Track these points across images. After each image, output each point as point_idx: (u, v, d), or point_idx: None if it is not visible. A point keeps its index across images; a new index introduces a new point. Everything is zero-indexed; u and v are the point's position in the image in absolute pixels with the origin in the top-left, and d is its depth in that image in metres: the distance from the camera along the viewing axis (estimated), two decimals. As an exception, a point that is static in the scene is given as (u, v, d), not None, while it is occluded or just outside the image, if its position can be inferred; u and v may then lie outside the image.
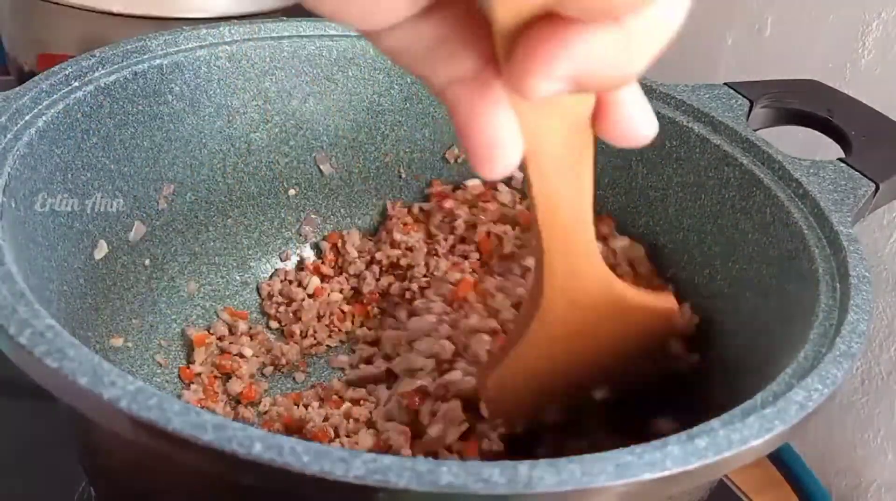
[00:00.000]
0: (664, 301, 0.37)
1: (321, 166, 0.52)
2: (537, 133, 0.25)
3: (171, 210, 0.46)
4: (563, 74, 0.20)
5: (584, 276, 0.32)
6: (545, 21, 0.19)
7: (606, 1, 0.19)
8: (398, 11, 0.21)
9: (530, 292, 0.33)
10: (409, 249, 0.50)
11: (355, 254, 0.52)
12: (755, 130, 0.46)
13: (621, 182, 0.49)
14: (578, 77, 0.20)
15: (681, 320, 0.39)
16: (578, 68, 0.20)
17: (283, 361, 0.48)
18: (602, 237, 0.47)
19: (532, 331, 0.33)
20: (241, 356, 0.47)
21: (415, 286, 0.49)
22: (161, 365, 0.46)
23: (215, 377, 0.46)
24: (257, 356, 0.47)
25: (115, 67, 0.42)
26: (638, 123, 0.25)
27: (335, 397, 0.44)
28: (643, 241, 0.48)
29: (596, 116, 0.25)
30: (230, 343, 0.47)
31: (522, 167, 0.26)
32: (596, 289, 0.32)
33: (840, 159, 0.43)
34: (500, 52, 0.21)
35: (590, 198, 0.29)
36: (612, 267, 0.37)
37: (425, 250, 0.50)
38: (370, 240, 0.53)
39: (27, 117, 0.37)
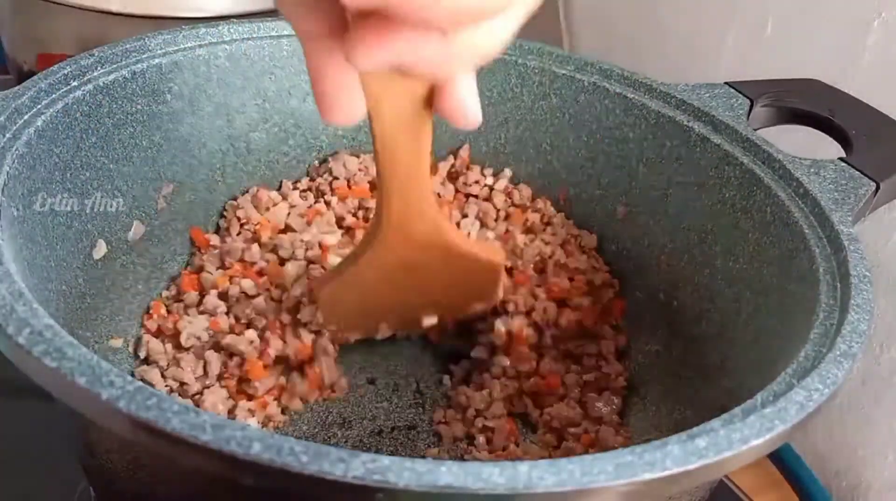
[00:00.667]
0: (491, 254, 0.43)
1: (321, 166, 0.52)
2: (380, 95, 0.30)
3: (171, 210, 0.46)
4: (383, 60, 0.24)
5: (418, 218, 0.38)
6: (380, 14, 0.23)
7: (427, 18, 0.22)
8: None
9: (371, 223, 0.39)
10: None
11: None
12: (756, 130, 0.45)
13: (621, 182, 0.49)
14: (398, 65, 0.24)
15: (502, 272, 0.45)
16: (397, 59, 0.24)
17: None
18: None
19: (368, 255, 0.39)
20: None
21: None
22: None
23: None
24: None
25: (114, 66, 0.41)
26: (465, 109, 0.30)
27: None
28: (643, 242, 0.48)
29: (434, 93, 0.30)
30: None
31: (369, 123, 0.32)
32: (427, 231, 0.38)
33: (840, 159, 0.43)
34: (349, 22, 0.25)
35: (427, 156, 0.35)
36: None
37: None
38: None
39: (26, 117, 0.37)
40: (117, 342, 0.43)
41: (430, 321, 0.44)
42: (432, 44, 0.24)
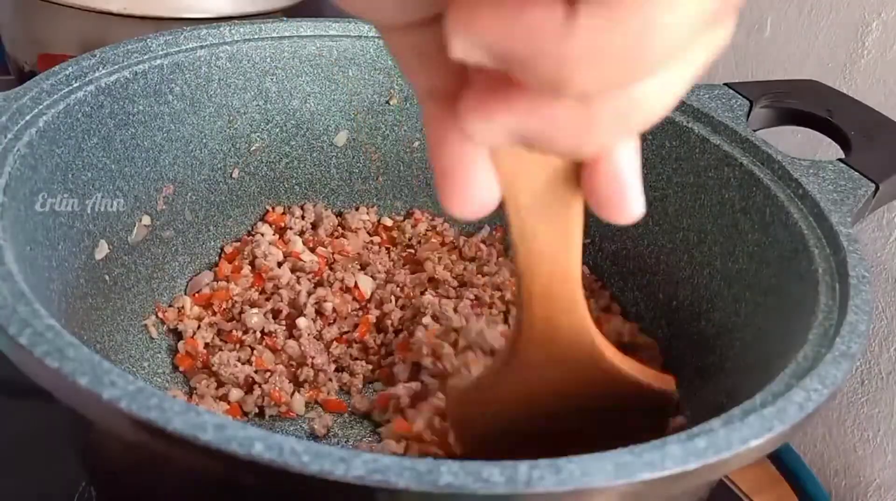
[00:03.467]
0: (661, 382, 0.34)
1: (322, 167, 0.52)
2: (516, 174, 0.24)
3: (172, 210, 0.46)
4: (503, 130, 0.18)
5: (566, 332, 0.30)
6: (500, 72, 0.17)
7: (560, 81, 0.16)
8: (406, 11, 0.19)
9: (509, 336, 0.32)
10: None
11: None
12: (755, 131, 0.46)
13: (621, 182, 0.49)
14: (522, 137, 0.19)
15: (672, 403, 0.36)
16: (521, 129, 0.18)
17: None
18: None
19: (504, 373, 0.33)
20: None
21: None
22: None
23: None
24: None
25: (116, 66, 0.42)
26: (621, 194, 0.22)
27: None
28: (643, 242, 0.48)
29: (582, 172, 0.23)
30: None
31: (505, 211, 0.25)
32: (577, 349, 0.31)
33: (840, 159, 0.43)
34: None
35: (577, 252, 0.28)
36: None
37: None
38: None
39: (28, 117, 0.37)
40: (118, 342, 0.43)
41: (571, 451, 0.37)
42: (565, 111, 0.18)
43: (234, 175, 0.49)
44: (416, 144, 0.53)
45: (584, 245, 0.51)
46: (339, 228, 0.53)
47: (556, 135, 0.18)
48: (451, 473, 0.23)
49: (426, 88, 0.21)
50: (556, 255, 0.27)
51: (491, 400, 0.34)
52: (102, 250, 0.41)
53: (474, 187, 0.21)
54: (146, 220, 0.45)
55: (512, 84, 0.17)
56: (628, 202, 0.22)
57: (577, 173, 0.24)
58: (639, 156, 0.22)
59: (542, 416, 0.34)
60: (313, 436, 0.43)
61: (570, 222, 0.26)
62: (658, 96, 0.18)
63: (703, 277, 0.44)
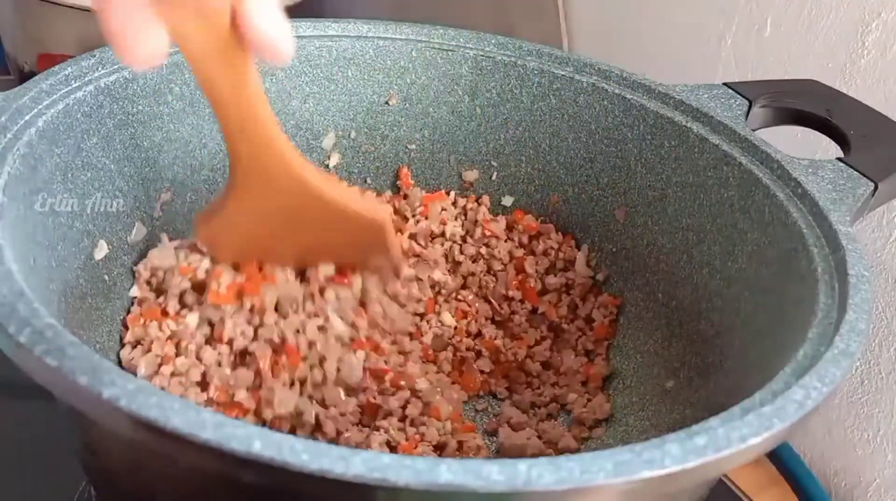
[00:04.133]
0: (374, 210, 0.40)
1: (320, 166, 0.52)
2: (182, 32, 0.29)
3: (172, 211, 0.46)
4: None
5: (271, 164, 0.36)
6: None
7: None
8: None
9: (230, 168, 0.37)
10: None
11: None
12: (754, 130, 0.46)
13: (620, 182, 0.49)
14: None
15: (392, 240, 0.41)
16: None
17: None
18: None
19: (233, 199, 0.38)
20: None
21: None
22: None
23: None
24: None
25: (116, 66, 0.42)
26: (266, 38, 0.29)
27: None
28: (640, 241, 0.48)
29: (239, 29, 0.29)
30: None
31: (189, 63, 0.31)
32: (290, 178, 0.36)
33: (839, 159, 0.43)
34: None
35: (260, 99, 0.33)
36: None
37: None
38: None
39: (27, 117, 0.37)
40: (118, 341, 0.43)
41: (327, 269, 0.42)
42: None
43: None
44: (415, 146, 0.53)
45: (584, 245, 0.52)
46: None
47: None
48: (450, 471, 0.23)
49: None
50: (238, 100, 0.33)
51: (232, 220, 0.39)
52: (102, 250, 0.41)
53: (144, 40, 0.27)
54: (146, 220, 0.45)
55: None
56: (274, 45, 0.29)
57: (231, 30, 0.29)
58: (277, 11, 0.28)
59: (278, 234, 0.39)
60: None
61: (241, 72, 0.32)
62: None
63: (702, 276, 0.44)
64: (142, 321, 0.42)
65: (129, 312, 0.43)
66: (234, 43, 0.30)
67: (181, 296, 0.42)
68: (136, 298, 0.44)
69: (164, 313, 0.42)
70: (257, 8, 0.28)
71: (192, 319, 0.41)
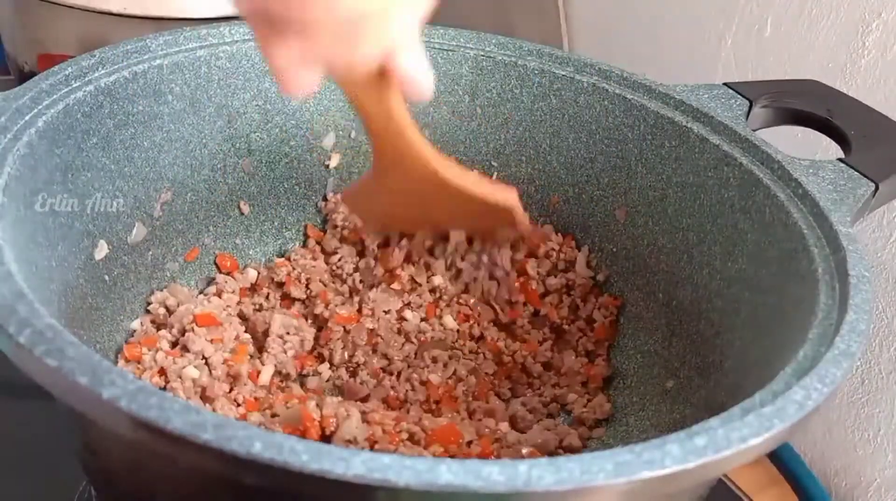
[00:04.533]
0: (501, 195, 0.46)
1: (321, 167, 0.52)
2: (337, 70, 0.33)
3: (172, 210, 0.46)
4: (301, 62, 0.30)
5: (410, 160, 0.42)
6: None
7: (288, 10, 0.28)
8: None
9: (373, 154, 0.43)
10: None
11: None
12: (754, 130, 0.46)
13: (621, 182, 0.49)
14: (319, 61, 0.30)
15: (521, 218, 0.47)
16: (311, 57, 0.30)
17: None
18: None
19: (375, 178, 0.44)
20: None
21: None
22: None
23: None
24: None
25: (116, 67, 0.42)
26: (411, 82, 0.34)
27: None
28: (640, 241, 0.48)
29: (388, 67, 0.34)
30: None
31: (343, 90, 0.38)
32: (424, 171, 0.42)
33: (839, 159, 0.43)
34: None
35: (401, 114, 0.39)
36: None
37: None
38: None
39: (27, 117, 0.37)
40: (118, 341, 0.43)
41: (458, 236, 0.48)
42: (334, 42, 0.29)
43: (233, 175, 0.49)
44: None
45: (583, 246, 0.52)
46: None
47: (324, 53, 0.30)
48: (450, 471, 0.23)
49: (250, 10, 0.30)
50: (381, 115, 0.39)
51: (375, 197, 0.46)
52: (102, 250, 0.41)
53: (302, 81, 0.31)
54: (146, 220, 0.45)
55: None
56: (416, 87, 0.34)
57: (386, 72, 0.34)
58: (421, 57, 0.33)
59: (414, 208, 0.46)
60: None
61: (386, 96, 0.37)
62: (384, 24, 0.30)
63: (702, 276, 0.44)
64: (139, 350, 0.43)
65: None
66: (382, 78, 0.35)
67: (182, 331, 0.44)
68: (134, 330, 0.45)
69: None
70: (406, 57, 0.33)
71: (191, 371, 0.42)
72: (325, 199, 0.53)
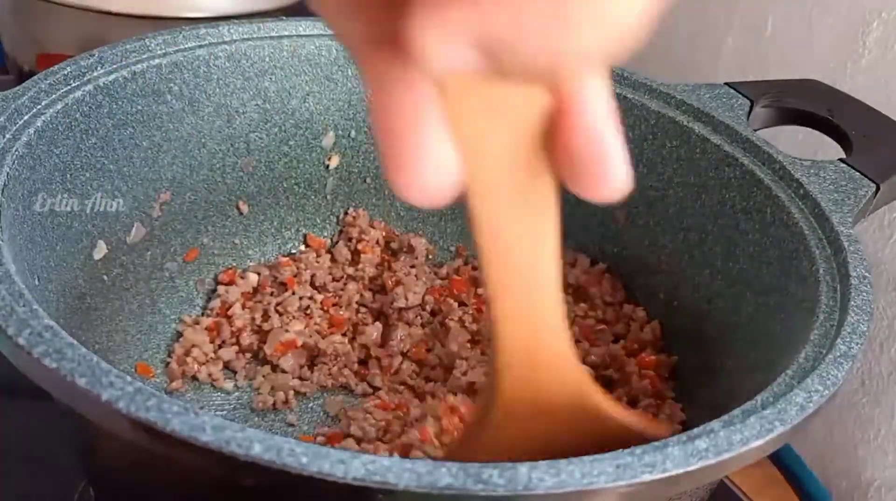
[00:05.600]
0: (655, 428, 0.29)
1: (321, 167, 0.52)
2: (476, 138, 0.19)
3: (171, 210, 0.46)
4: (462, 39, 0.15)
5: (549, 368, 0.25)
6: None
7: None
8: None
9: (486, 385, 0.27)
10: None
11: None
12: (756, 130, 0.45)
13: (621, 182, 0.49)
14: (486, 48, 0.15)
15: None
16: (484, 32, 0.15)
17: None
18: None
19: (486, 428, 0.27)
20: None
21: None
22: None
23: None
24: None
25: (114, 66, 0.41)
26: (602, 150, 0.18)
27: None
28: (641, 241, 0.48)
29: (550, 134, 0.19)
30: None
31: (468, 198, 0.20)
32: (564, 389, 0.26)
33: (841, 160, 0.43)
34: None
35: (554, 250, 0.22)
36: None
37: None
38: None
39: (26, 117, 0.36)
40: (117, 342, 0.43)
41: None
42: (538, 5, 0.14)
43: (232, 175, 0.49)
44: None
45: (584, 248, 0.52)
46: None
47: (526, 34, 0.15)
48: (451, 474, 0.23)
49: (364, 34, 0.17)
50: (531, 257, 0.22)
51: (491, 441, 0.28)
52: (101, 250, 0.41)
53: (432, 152, 0.17)
54: (145, 220, 0.45)
55: None
56: (608, 162, 0.18)
57: (541, 147, 0.20)
58: (613, 111, 0.19)
59: (541, 440, 0.28)
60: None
61: (541, 207, 0.21)
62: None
63: (703, 277, 0.44)
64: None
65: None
66: (538, 169, 0.20)
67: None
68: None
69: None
70: (593, 96, 0.18)
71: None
72: (345, 213, 0.53)
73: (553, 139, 0.19)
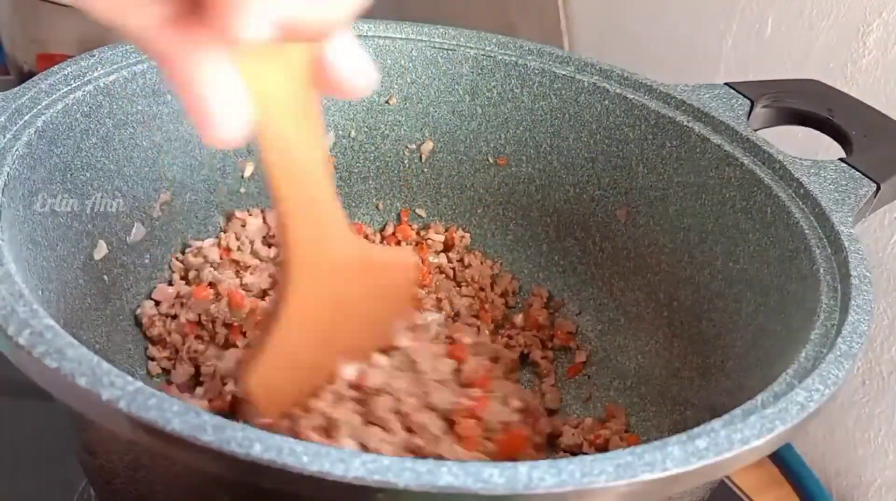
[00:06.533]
0: (406, 255, 0.40)
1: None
2: (262, 86, 0.25)
3: (171, 210, 0.46)
4: (267, 16, 0.20)
5: (331, 241, 0.30)
6: None
7: None
8: None
9: (280, 275, 0.30)
10: None
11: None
12: (756, 130, 0.45)
13: (621, 182, 0.49)
14: (283, 21, 0.21)
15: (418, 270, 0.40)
16: (281, 12, 0.20)
17: None
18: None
19: (286, 315, 0.30)
20: None
21: None
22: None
23: None
24: None
25: (115, 66, 0.41)
26: (359, 68, 0.26)
27: None
28: (641, 241, 0.48)
29: (315, 69, 0.26)
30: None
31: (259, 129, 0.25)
32: (342, 253, 0.31)
33: (841, 159, 0.43)
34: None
35: (324, 155, 0.29)
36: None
37: None
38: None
39: (26, 117, 0.37)
40: (117, 342, 0.43)
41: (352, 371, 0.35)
42: None
43: (232, 175, 0.49)
44: (415, 145, 0.53)
45: (584, 247, 0.52)
46: None
47: (309, 13, 0.21)
48: (450, 473, 0.23)
49: (162, 18, 0.21)
50: (308, 161, 0.28)
51: (283, 355, 0.31)
52: (101, 250, 0.41)
53: (237, 109, 0.22)
54: (145, 220, 0.45)
55: None
56: (365, 69, 0.26)
57: (307, 79, 0.26)
58: (357, 42, 0.26)
59: (327, 340, 0.32)
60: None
61: (314, 125, 0.27)
62: None
63: (703, 277, 0.44)
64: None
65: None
66: (307, 95, 0.27)
67: None
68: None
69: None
70: (345, 37, 0.26)
71: None
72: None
73: (320, 69, 0.26)
